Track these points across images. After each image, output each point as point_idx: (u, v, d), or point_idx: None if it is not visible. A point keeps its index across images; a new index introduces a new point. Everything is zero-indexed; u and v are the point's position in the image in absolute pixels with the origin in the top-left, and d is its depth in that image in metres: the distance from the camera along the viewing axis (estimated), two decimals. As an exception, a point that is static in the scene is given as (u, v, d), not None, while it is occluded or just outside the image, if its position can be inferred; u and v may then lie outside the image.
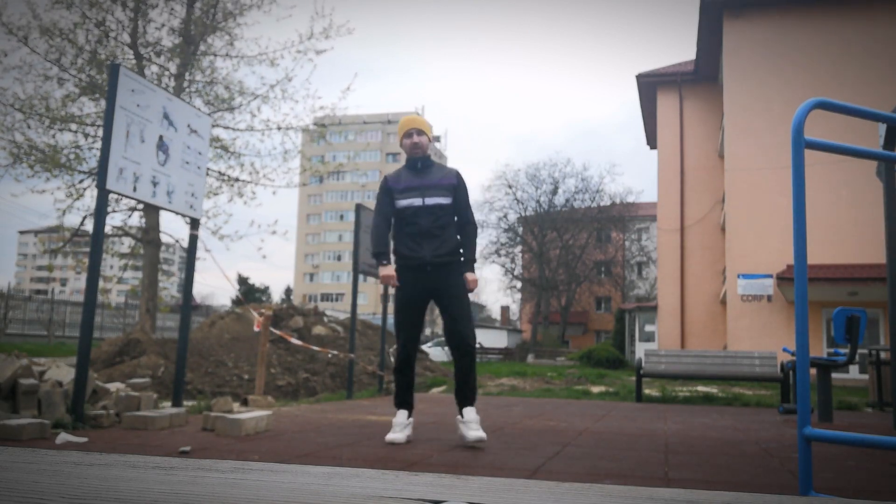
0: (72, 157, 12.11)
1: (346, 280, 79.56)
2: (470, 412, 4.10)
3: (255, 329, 8.44)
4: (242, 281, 54.40)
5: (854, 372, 16.21)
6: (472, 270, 4.24)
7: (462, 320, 4.14)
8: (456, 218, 4.27)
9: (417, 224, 4.15)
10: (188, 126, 5.35)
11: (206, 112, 11.49)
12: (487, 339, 36.39)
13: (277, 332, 8.29)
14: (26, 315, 23.16)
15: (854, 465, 3.80)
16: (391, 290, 4.98)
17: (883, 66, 17.68)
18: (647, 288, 46.13)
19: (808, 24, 18.66)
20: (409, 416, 4.22)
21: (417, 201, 4.15)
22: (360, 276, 8.31)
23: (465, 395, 4.14)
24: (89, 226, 11.99)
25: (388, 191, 4.26)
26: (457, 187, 4.25)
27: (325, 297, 78.92)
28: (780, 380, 8.40)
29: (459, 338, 4.12)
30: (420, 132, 4.26)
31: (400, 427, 4.17)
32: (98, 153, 9.77)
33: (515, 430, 5.01)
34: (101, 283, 9.39)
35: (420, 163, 4.27)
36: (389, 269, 4.22)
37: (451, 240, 4.20)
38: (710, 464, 3.72)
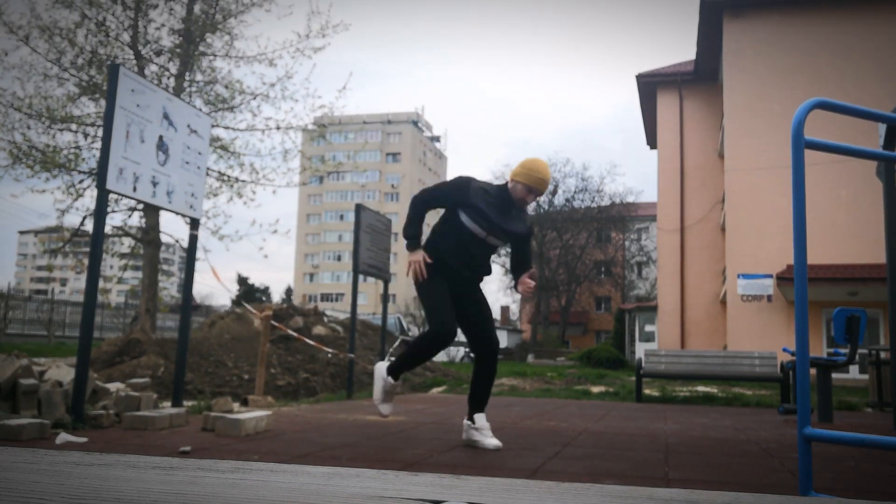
0: (71, 157, 12.11)
1: (346, 280, 79.53)
2: (482, 419, 4.07)
3: (256, 324, 8.38)
4: (242, 281, 54.35)
5: (854, 372, 16.20)
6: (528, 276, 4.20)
7: (491, 322, 4.17)
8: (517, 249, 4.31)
9: (469, 248, 4.06)
10: (188, 126, 5.35)
11: (206, 112, 11.48)
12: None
13: (277, 325, 8.29)
14: (26, 315, 23.15)
15: (854, 465, 3.80)
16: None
17: (883, 66, 17.67)
18: (647, 288, 46.13)
19: (808, 24, 18.66)
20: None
21: (481, 234, 4.05)
22: (360, 276, 8.30)
23: (481, 401, 4.11)
24: (89, 226, 11.98)
25: (462, 199, 4.03)
26: (520, 238, 4.21)
27: (325, 297, 78.89)
28: (780, 380, 8.40)
29: (489, 339, 4.11)
30: (539, 194, 4.11)
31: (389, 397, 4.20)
32: (98, 153, 9.76)
33: (515, 430, 5.00)
34: (101, 283, 9.39)
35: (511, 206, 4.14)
36: (420, 254, 4.05)
37: (490, 265, 4.26)
38: (710, 464, 3.72)
